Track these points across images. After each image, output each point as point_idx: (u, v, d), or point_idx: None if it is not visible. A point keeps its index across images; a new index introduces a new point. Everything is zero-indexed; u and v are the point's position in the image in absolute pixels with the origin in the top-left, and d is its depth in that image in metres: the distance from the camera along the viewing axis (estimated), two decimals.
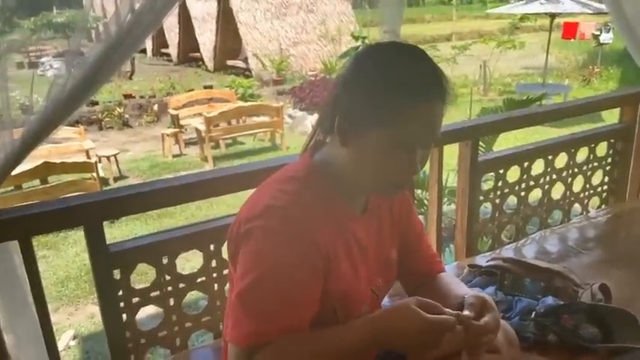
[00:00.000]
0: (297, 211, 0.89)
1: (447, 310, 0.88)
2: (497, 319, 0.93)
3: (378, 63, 0.89)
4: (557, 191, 2.34)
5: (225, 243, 1.22)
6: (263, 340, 0.84)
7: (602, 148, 2.43)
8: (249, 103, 8.41)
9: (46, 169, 4.61)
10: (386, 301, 1.61)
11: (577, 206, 2.45)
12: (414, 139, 0.87)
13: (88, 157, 5.78)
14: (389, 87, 0.85)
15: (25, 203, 1.39)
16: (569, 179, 2.34)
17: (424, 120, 0.86)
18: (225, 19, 12.97)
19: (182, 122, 7.68)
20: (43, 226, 1.32)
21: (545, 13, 9.39)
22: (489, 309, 0.93)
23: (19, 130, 1.21)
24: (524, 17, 10.44)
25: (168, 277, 1.46)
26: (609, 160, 2.45)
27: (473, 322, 0.89)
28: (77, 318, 3.44)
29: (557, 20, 10.12)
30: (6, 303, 1.35)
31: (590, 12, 9.20)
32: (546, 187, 2.27)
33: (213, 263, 1.52)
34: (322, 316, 0.92)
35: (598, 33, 11.62)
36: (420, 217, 2.98)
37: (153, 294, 1.46)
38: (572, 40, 13.48)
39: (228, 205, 4.32)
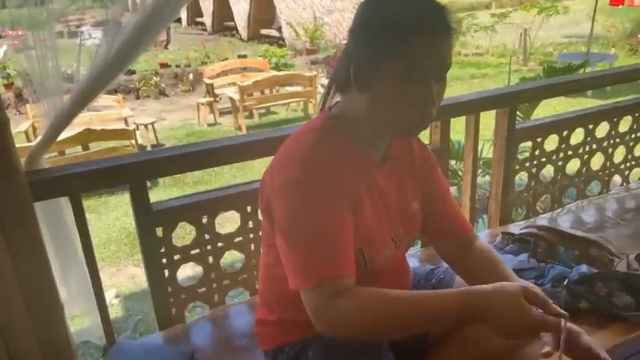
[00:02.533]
0: (317, 158, 0.94)
1: (555, 307, 0.87)
2: None
3: (377, 4, 0.93)
4: (597, 162, 2.29)
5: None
6: (329, 276, 0.88)
7: None
8: (282, 73, 8.40)
9: (87, 136, 4.77)
10: (416, 264, 1.64)
11: (617, 178, 2.40)
12: (425, 70, 0.89)
13: (127, 124, 5.94)
14: (391, 22, 0.89)
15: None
16: (610, 149, 2.28)
17: (430, 50, 0.89)
18: None
19: (217, 91, 7.76)
20: (91, 184, 1.39)
21: None
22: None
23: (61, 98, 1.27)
24: None
25: (207, 237, 1.53)
26: None
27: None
28: (118, 279, 3.61)
29: None
30: (59, 257, 1.44)
31: None
32: (585, 157, 2.22)
33: (250, 224, 1.57)
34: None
35: None
36: (454, 187, 2.94)
37: (193, 252, 1.53)
38: (621, 6, 12.80)
39: (260, 174, 4.40)
